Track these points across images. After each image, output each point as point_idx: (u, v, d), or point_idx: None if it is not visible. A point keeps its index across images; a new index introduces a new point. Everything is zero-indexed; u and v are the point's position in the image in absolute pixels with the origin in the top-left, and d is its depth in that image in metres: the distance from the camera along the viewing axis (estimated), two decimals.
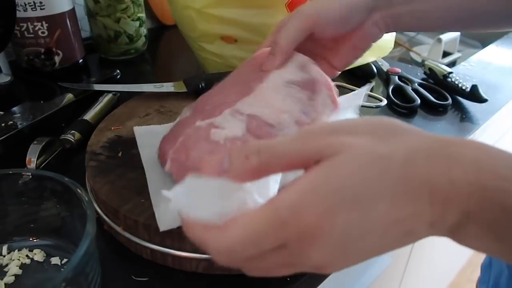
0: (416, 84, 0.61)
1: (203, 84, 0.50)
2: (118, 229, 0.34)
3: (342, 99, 0.39)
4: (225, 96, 0.36)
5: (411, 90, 0.59)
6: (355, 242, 0.19)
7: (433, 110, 0.57)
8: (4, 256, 0.32)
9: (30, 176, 0.32)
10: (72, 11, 0.64)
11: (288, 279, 0.32)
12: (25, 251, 0.33)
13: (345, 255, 0.19)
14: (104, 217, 0.35)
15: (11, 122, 0.50)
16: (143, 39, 0.73)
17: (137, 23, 0.70)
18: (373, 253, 0.20)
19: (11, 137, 0.47)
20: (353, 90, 0.57)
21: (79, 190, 0.31)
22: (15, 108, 0.52)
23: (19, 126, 0.49)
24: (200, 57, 0.60)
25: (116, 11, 0.67)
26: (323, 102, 0.37)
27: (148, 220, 0.32)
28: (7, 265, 0.32)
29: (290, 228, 0.19)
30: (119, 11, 0.67)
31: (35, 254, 0.33)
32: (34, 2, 0.58)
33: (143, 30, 0.72)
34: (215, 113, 0.35)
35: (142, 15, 0.71)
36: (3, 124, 0.49)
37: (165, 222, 0.31)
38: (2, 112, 0.50)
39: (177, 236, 0.31)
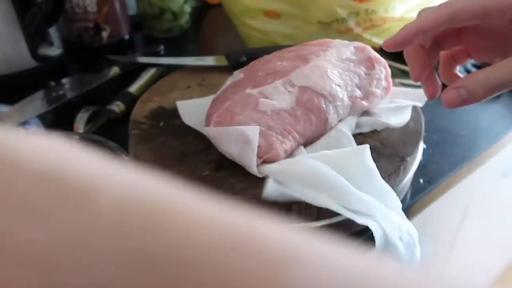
0: (469, 65, 0.57)
1: (244, 58, 0.49)
2: None
3: (399, 90, 0.41)
4: (279, 64, 0.37)
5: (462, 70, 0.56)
6: None
7: None
8: None
9: (78, 139, 0.33)
10: None
11: None
12: None
13: None
14: None
15: (61, 92, 0.52)
16: (187, 16, 0.73)
17: (182, 0, 0.70)
18: None
19: (61, 106, 0.49)
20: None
21: (123, 154, 0.32)
22: (64, 80, 0.54)
23: (68, 97, 0.51)
24: (243, 34, 0.59)
25: None
26: (377, 81, 0.40)
27: None
28: None
29: None
30: None
31: None
32: None
33: (187, 8, 0.73)
34: (267, 81, 0.35)
35: None
36: (54, 94, 0.51)
37: None
38: (53, 83, 0.53)
39: None
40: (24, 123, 0.45)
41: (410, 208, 0.40)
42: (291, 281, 0.09)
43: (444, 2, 0.29)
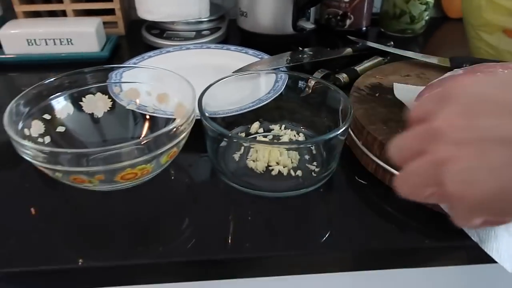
0: None
1: (467, 65, 0.53)
2: (358, 143, 0.44)
3: None
4: (501, 71, 0.41)
5: None
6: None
7: None
8: (281, 130, 0.47)
9: (314, 82, 0.45)
10: None
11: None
12: (293, 132, 0.47)
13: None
14: (350, 131, 0.46)
15: (301, 56, 0.66)
16: (422, 22, 0.79)
17: (423, 7, 0.77)
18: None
19: (297, 67, 0.63)
20: None
21: (350, 108, 0.42)
22: (307, 49, 0.68)
23: (305, 61, 0.65)
24: (473, 46, 0.62)
25: None
26: None
27: (384, 140, 0.40)
28: (281, 136, 0.47)
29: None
30: None
31: (299, 136, 0.46)
32: None
33: (426, 15, 0.79)
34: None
35: (431, 0, 0.77)
36: (296, 56, 0.66)
37: None
38: (300, 48, 0.67)
39: None
40: (273, 69, 0.61)
41: None
42: None
43: None
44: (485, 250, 0.33)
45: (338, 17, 0.77)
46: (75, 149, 0.34)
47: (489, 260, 0.36)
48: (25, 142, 0.33)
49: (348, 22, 0.77)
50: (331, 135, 0.37)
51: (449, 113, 0.24)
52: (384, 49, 0.64)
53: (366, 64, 0.63)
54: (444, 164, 0.23)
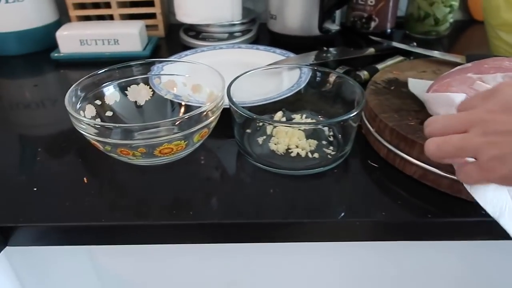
0: None
1: None
2: (372, 130, 0.48)
3: None
4: (508, 63, 0.44)
5: None
6: None
7: None
8: (302, 119, 0.52)
9: (336, 76, 0.50)
10: None
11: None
12: (313, 121, 0.51)
13: None
14: (365, 120, 0.50)
15: (327, 55, 0.70)
16: (447, 25, 0.82)
17: (448, 9, 0.79)
18: None
19: (322, 64, 0.68)
20: None
21: (362, 96, 0.46)
22: (332, 48, 0.73)
23: (330, 59, 0.69)
24: (492, 45, 0.65)
25: None
26: None
27: (394, 126, 0.44)
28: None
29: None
30: None
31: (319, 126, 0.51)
32: None
33: (450, 17, 0.81)
34: (489, 71, 0.43)
35: (455, 3, 0.80)
36: (322, 55, 0.70)
37: None
38: (325, 48, 0.72)
39: (409, 143, 0.42)
40: (299, 67, 0.65)
41: None
42: None
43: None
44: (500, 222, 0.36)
45: (363, 20, 0.81)
46: (122, 124, 0.40)
47: (487, 237, 0.40)
48: (83, 118, 0.39)
49: (373, 24, 0.81)
50: (344, 118, 0.41)
51: (493, 107, 0.30)
52: (404, 48, 0.67)
53: (388, 62, 0.67)
54: (482, 144, 0.30)
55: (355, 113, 0.42)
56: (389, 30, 0.82)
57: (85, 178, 0.44)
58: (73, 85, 0.45)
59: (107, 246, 0.45)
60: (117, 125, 0.40)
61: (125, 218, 0.39)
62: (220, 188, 0.43)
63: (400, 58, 0.69)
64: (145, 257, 0.47)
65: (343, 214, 0.39)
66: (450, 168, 0.40)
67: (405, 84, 0.53)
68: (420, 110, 0.47)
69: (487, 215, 0.34)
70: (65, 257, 0.47)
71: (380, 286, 0.50)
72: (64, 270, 0.49)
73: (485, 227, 0.39)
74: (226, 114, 0.46)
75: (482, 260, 0.48)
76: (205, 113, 0.42)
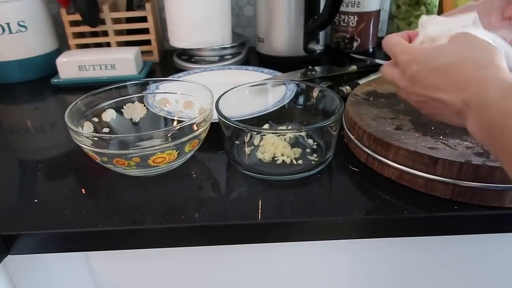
0: None
1: None
2: (352, 137, 0.51)
3: None
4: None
5: None
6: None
7: None
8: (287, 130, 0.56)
9: (319, 90, 0.54)
10: (378, 12, 0.84)
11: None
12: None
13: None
14: (346, 129, 0.53)
15: (312, 73, 0.75)
16: None
17: None
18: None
19: (309, 80, 0.72)
20: None
21: (341, 105, 0.50)
22: (317, 67, 0.77)
23: (316, 76, 0.73)
24: None
25: (411, 16, 0.83)
26: None
27: (372, 132, 0.47)
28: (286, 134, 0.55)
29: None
30: (413, 17, 0.83)
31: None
32: (354, 1, 0.81)
33: None
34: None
35: None
36: (307, 73, 0.74)
37: None
38: (310, 67, 0.76)
39: (385, 147, 0.46)
40: (285, 83, 0.70)
41: None
42: None
43: None
44: None
45: (346, 40, 0.86)
46: (117, 135, 0.43)
47: (461, 231, 0.42)
48: (81, 131, 0.43)
49: (355, 44, 0.86)
50: (323, 124, 0.45)
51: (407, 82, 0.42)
52: (382, 63, 0.71)
53: (369, 78, 0.71)
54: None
55: (333, 119, 0.45)
56: (371, 50, 0.87)
57: (83, 189, 0.47)
58: (73, 103, 0.48)
59: (103, 253, 0.47)
60: (112, 136, 0.43)
61: (121, 224, 0.42)
62: (212, 194, 0.46)
63: (380, 74, 0.73)
64: (141, 263, 0.49)
65: (326, 214, 0.42)
66: (424, 168, 0.43)
67: (383, 95, 0.57)
68: (396, 117, 0.50)
69: (460, 209, 0.37)
70: (62, 265, 0.49)
71: (369, 283, 0.52)
72: (60, 277, 0.51)
73: (459, 221, 0.42)
74: (215, 129, 0.49)
75: (458, 253, 0.50)
76: (195, 124, 0.45)
